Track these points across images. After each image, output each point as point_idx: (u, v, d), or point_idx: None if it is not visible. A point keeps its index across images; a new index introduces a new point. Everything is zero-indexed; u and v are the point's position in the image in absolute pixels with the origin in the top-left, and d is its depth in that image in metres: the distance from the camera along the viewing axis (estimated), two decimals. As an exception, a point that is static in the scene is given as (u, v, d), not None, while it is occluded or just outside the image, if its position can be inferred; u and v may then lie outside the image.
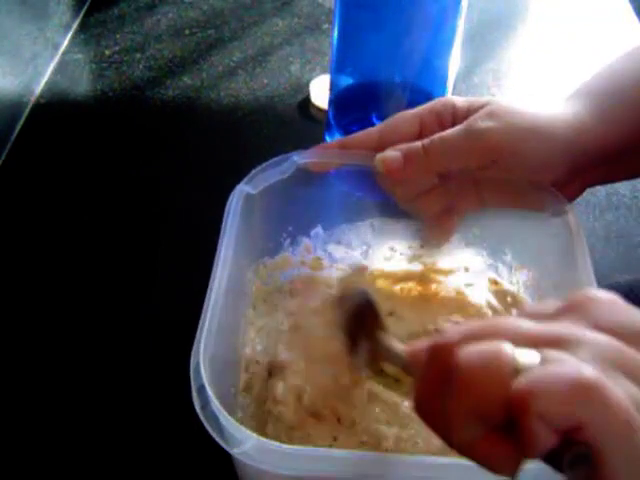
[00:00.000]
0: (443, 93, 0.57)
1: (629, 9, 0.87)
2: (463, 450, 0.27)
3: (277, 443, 0.32)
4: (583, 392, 0.24)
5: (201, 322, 0.36)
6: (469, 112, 0.44)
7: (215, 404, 0.33)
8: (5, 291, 0.56)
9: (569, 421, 0.24)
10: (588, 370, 0.25)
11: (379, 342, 0.37)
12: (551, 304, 0.29)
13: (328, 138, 0.61)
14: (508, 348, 0.26)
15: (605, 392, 0.24)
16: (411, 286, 0.51)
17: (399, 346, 0.35)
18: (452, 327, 0.27)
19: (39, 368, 0.50)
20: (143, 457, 0.46)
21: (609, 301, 0.28)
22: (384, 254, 0.52)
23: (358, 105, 0.59)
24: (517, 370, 0.25)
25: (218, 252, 0.40)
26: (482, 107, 0.43)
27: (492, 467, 0.26)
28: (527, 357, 0.26)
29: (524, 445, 0.25)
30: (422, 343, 0.30)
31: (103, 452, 0.46)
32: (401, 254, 0.52)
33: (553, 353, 0.26)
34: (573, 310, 0.28)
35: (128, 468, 0.45)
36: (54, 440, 0.46)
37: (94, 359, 0.51)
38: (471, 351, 0.26)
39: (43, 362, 0.51)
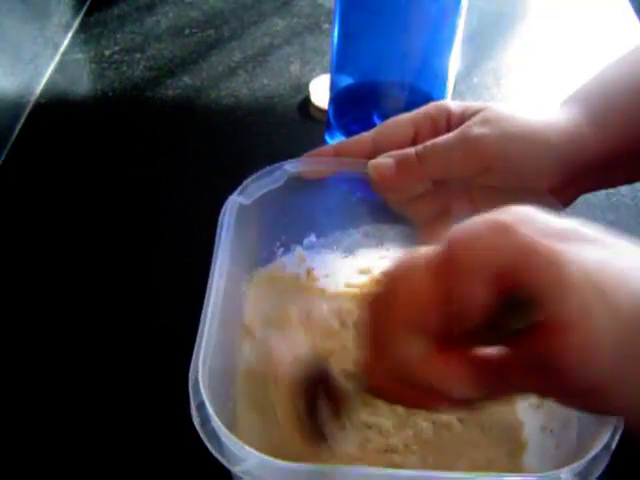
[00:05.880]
0: (443, 93, 0.57)
1: (629, 9, 0.87)
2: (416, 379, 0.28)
3: (279, 460, 0.31)
4: (501, 230, 0.26)
5: (198, 338, 0.35)
6: (463, 117, 0.43)
7: (215, 421, 0.32)
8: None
9: (496, 264, 0.26)
10: (501, 216, 0.27)
11: (339, 392, 0.36)
12: None
13: (328, 138, 0.61)
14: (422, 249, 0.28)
15: (519, 230, 0.26)
16: None
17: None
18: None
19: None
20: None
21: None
22: (378, 261, 0.51)
23: (358, 105, 0.59)
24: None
25: (212, 266, 0.39)
26: (477, 112, 0.43)
27: (447, 383, 0.27)
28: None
29: (461, 311, 0.26)
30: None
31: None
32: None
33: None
34: None
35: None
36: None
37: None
38: (389, 269, 0.29)
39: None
